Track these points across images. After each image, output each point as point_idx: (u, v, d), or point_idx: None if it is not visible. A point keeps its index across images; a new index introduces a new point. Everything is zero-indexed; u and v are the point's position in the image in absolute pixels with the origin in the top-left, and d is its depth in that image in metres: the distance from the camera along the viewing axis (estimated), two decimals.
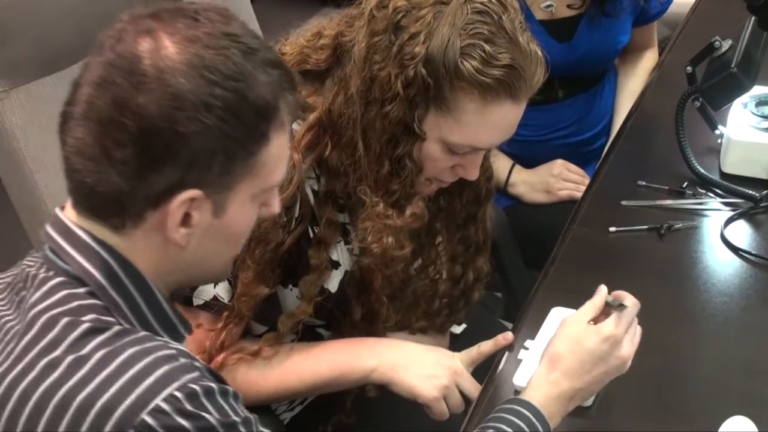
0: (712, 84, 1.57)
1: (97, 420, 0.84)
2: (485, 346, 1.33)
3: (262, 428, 0.93)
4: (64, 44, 1.39)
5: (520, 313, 1.43)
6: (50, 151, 1.37)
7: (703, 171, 1.64)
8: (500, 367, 1.30)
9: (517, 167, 2.03)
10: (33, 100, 1.36)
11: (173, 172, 0.89)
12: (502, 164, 2.00)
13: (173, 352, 0.89)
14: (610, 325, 1.16)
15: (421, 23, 1.16)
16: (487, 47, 1.15)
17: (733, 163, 1.66)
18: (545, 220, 1.95)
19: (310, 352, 1.34)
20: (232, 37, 0.91)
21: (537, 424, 1.10)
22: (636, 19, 2.06)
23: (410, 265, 1.41)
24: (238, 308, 1.27)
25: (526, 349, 1.30)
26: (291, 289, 1.34)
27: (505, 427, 1.09)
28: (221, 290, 1.28)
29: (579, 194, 1.85)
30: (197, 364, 0.90)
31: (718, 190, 1.63)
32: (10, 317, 0.94)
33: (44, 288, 0.92)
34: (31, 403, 0.86)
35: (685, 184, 1.64)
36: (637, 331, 1.20)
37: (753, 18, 1.58)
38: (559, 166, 2.02)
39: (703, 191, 1.63)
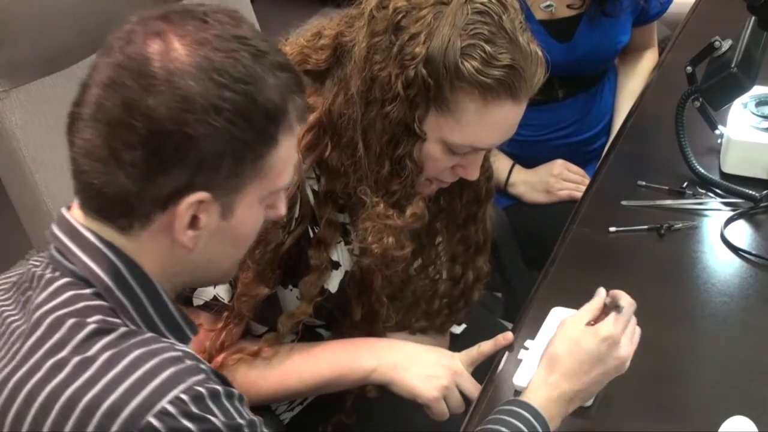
0: (712, 84, 1.57)
1: (102, 421, 0.84)
2: (485, 346, 1.33)
3: (265, 430, 0.93)
4: (64, 44, 1.39)
5: (520, 313, 1.43)
6: (50, 151, 1.38)
7: (703, 171, 1.64)
8: (500, 367, 1.30)
9: (517, 167, 2.03)
10: (33, 100, 1.36)
11: (182, 174, 0.89)
12: (502, 164, 2.00)
13: (179, 353, 0.89)
14: (607, 325, 1.16)
15: (421, 23, 1.16)
16: (487, 47, 1.15)
17: (733, 163, 1.66)
18: (545, 220, 1.95)
19: (310, 352, 1.34)
20: (241, 39, 0.91)
21: (536, 425, 1.10)
22: (636, 19, 2.06)
23: (410, 265, 1.41)
24: (238, 308, 1.28)
25: (526, 349, 1.30)
26: (291, 290, 1.34)
27: (504, 429, 1.09)
28: (221, 290, 1.28)
29: (579, 194, 1.85)
30: (203, 366, 0.90)
31: (718, 190, 1.63)
32: (16, 317, 0.94)
33: (50, 288, 0.92)
34: (36, 404, 0.86)
35: (685, 184, 1.64)
36: (636, 331, 1.20)
37: (753, 18, 1.58)
38: (559, 166, 2.02)
39: (703, 191, 1.63)
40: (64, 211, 0.96)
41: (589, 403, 1.20)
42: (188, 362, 0.88)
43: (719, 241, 1.52)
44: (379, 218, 1.24)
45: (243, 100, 0.89)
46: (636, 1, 2.00)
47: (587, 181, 1.91)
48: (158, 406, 0.84)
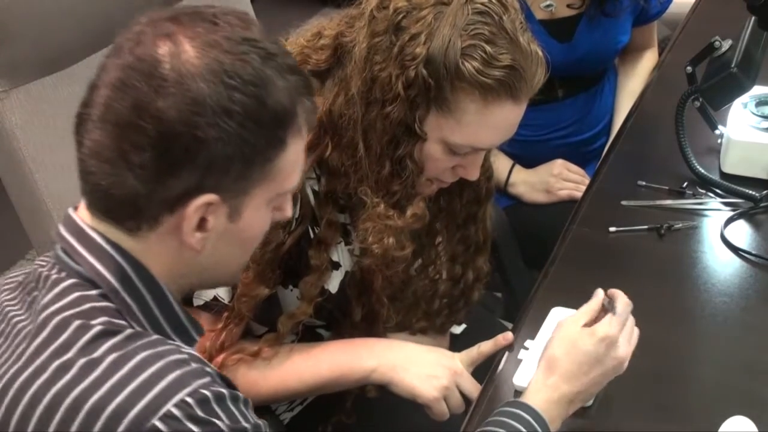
0: (712, 84, 1.57)
1: (107, 424, 0.84)
2: (485, 347, 1.33)
3: None
4: (64, 44, 1.39)
5: (520, 313, 1.43)
6: (50, 151, 1.37)
7: (703, 171, 1.64)
8: (500, 367, 1.30)
9: (517, 167, 2.03)
10: (33, 100, 1.36)
11: (191, 176, 0.89)
12: (502, 164, 2.00)
13: (185, 356, 0.89)
14: (604, 326, 1.16)
15: (421, 24, 1.16)
16: (488, 48, 1.15)
17: (733, 163, 1.66)
18: (545, 220, 1.95)
19: (310, 352, 1.34)
20: (251, 42, 0.91)
21: (536, 426, 1.10)
22: (636, 18, 2.06)
23: (411, 265, 1.41)
24: (238, 309, 1.28)
25: (526, 349, 1.30)
26: (291, 290, 1.34)
27: (503, 431, 1.09)
28: (221, 291, 1.28)
29: (579, 194, 1.85)
30: (208, 369, 0.90)
31: (718, 190, 1.63)
32: (22, 317, 0.94)
33: (56, 289, 0.92)
34: (42, 406, 0.86)
35: (685, 184, 1.64)
36: (634, 331, 1.20)
37: (753, 18, 1.58)
38: (559, 165, 2.02)
39: (703, 191, 1.63)
40: (71, 211, 0.96)
41: (589, 403, 1.20)
42: (194, 365, 0.88)
43: (719, 241, 1.52)
44: (379, 219, 1.24)
45: (253, 103, 0.89)
46: (636, 1, 2.00)
47: (587, 181, 1.91)
48: (163, 410, 0.84)
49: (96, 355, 0.87)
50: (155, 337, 0.91)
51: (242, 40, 0.90)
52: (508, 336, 1.33)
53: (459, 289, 1.49)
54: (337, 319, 1.40)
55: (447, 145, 1.23)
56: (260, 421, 0.92)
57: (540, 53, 1.20)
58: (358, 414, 1.43)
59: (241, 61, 0.89)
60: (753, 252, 1.49)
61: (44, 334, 0.89)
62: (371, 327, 1.38)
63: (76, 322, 0.89)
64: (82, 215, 0.95)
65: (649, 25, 2.12)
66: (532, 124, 1.87)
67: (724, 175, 1.66)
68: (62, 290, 0.92)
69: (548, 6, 1.93)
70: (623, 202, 1.62)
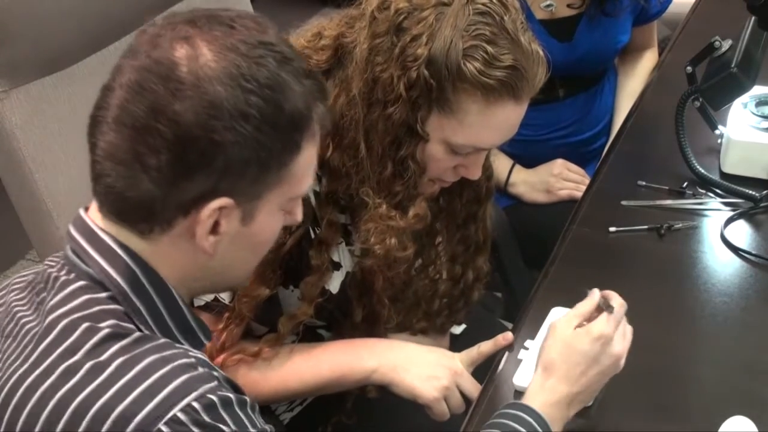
0: (712, 84, 1.57)
1: (113, 428, 0.84)
2: (485, 347, 1.33)
3: None
4: (64, 44, 1.39)
5: (520, 313, 1.43)
6: (50, 151, 1.37)
7: (703, 171, 1.64)
8: (500, 367, 1.30)
9: (517, 167, 2.03)
10: (33, 100, 1.36)
11: (206, 180, 0.88)
12: (502, 164, 2.00)
13: (192, 360, 0.89)
14: (599, 324, 1.16)
15: (423, 25, 1.16)
16: (489, 48, 1.15)
17: (733, 163, 1.66)
18: (545, 220, 1.94)
19: (310, 353, 1.34)
20: (268, 45, 0.90)
21: (538, 427, 1.10)
22: (636, 18, 2.06)
23: (412, 266, 1.41)
24: (238, 309, 1.27)
25: (526, 349, 1.30)
26: (292, 290, 1.34)
27: None
28: None
29: (579, 194, 1.85)
30: (215, 373, 0.90)
31: (718, 190, 1.63)
32: (29, 318, 0.94)
33: (65, 291, 0.92)
34: (48, 408, 0.86)
35: (685, 184, 1.64)
36: (627, 330, 1.19)
37: (753, 18, 1.58)
38: (559, 165, 2.02)
39: (703, 191, 1.63)
40: (81, 212, 0.95)
41: (589, 403, 1.20)
42: (201, 369, 0.88)
43: (719, 241, 1.52)
44: (381, 219, 1.24)
45: (270, 106, 0.89)
46: (636, 1, 2.00)
47: (587, 180, 1.91)
48: (170, 414, 0.84)
49: (103, 358, 0.87)
50: (163, 340, 0.90)
51: (259, 43, 0.90)
52: (508, 336, 1.33)
53: (459, 288, 1.48)
54: (338, 320, 1.40)
55: (449, 146, 1.23)
56: (267, 426, 0.92)
57: (541, 53, 1.20)
58: (358, 414, 1.43)
59: (258, 65, 0.89)
60: (753, 252, 1.49)
61: (51, 336, 0.89)
62: (372, 327, 1.38)
63: (84, 325, 0.89)
64: (93, 216, 0.94)
65: (649, 24, 2.12)
66: (532, 123, 1.87)
67: (724, 175, 1.66)
68: (70, 293, 0.91)
69: (548, 6, 1.93)
70: (623, 202, 1.62)
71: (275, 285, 1.29)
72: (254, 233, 0.95)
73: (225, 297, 1.28)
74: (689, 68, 1.61)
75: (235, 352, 1.31)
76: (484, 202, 1.45)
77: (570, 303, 1.26)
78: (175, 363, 0.87)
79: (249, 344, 1.33)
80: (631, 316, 1.21)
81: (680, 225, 1.55)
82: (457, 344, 1.50)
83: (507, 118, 1.21)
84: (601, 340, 1.14)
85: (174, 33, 0.89)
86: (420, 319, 1.47)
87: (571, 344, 1.14)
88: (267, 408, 1.44)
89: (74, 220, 0.95)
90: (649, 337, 1.22)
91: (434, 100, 1.18)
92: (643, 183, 1.66)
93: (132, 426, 0.83)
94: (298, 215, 1.02)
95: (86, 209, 0.96)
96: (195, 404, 0.85)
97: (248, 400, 0.91)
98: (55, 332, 0.89)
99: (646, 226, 1.55)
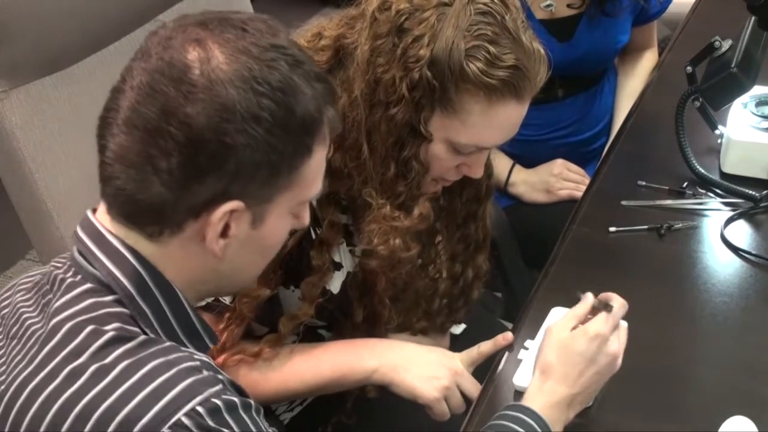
0: (712, 84, 1.57)
1: (117, 431, 0.83)
2: (485, 347, 1.33)
3: None
4: (64, 44, 1.39)
5: (520, 313, 1.43)
6: (50, 151, 1.37)
7: (703, 171, 1.64)
8: (500, 367, 1.30)
9: (517, 167, 2.03)
10: (33, 100, 1.35)
11: (217, 183, 0.88)
12: (502, 164, 2.00)
13: (197, 363, 0.88)
14: (595, 324, 1.16)
15: (424, 25, 1.16)
16: (491, 48, 1.15)
17: (733, 163, 1.66)
18: (545, 220, 1.94)
19: (311, 353, 1.34)
20: (279, 49, 0.90)
21: (538, 428, 1.10)
22: (636, 18, 2.06)
23: (414, 266, 1.41)
24: (239, 309, 1.27)
25: (526, 349, 1.30)
26: (293, 291, 1.34)
27: None
28: None
29: (579, 194, 1.85)
30: (220, 376, 0.89)
31: (718, 190, 1.63)
32: (35, 319, 0.93)
33: (70, 294, 0.91)
34: (52, 411, 0.86)
35: (685, 184, 1.64)
36: (622, 329, 1.19)
37: (753, 18, 1.58)
38: (559, 165, 2.02)
39: (703, 191, 1.63)
40: (89, 213, 0.95)
41: (589, 403, 1.20)
42: (206, 373, 0.88)
43: (719, 241, 1.52)
44: (385, 220, 1.24)
45: (282, 110, 0.88)
46: (636, 1, 2.00)
47: (587, 180, 1.91)
48: (174, 419, 0.83)
49: (108, 361, 0.86)
50: (168, 344, 0.90)
51: (270, 46, 0.90)
52: (508, 336, 1.33)
53: (459, 287, 1.49)
54: (339, 320, 1.40)
55: (452, 145, 1.23)
56: (271, 429, 0.92)
57: (542, 51, 1.20)
58: (358, 414, 1.43)
59: (270, 68, 0.88)
60: (753, 252, 1.49)
61: (56, 338, 0.89)
62: (372, 328, 1.38)
63: (89, 328, 0.88)
64: (101, 218, 0.94)
65: (648, 24, 2.11)
66: (532, 123, 1.86)
67: (724, 175, 1.66)
68: (76, 295, 0.91)
69: (548, 6, 1.93)
70: (623, 202, 1.62)
71: (276, 285, 1.29)
72: (263, 236, 0.95)
73: (226, 298, 1.28)
74: (689, 68, 1.61)
75: (236, 352, 1.31)
76: (484, 200, 1.45)
77: (570, 303, 1.26)
78: (180, 366, 0.87)
79: (249, 344, 1.33)
80: (631, 316, 1.21)
81: (680, 225, 1.55)
82: (457, 344, 1.50)
83: (509, 117, 1.22)
84: (598, 339, 1.15)
85: (185, 35, 0.89)
86: (420, 318, 1.47)
87: (567, 345, 1.15)
88: (267, 408, 1.43)
89: (81, 221, 0.95)
90: (649, 337, 1.22)
91: (437, 101, 1.18)
92: (643, 183, 1.66)
93: (136, 429, 0.83)
94: (306, 219, 1.02)
95: (93, 211, 0.95)
96: (199, 408, 0.84)
97: (253, 403, 0.91)
98: (60, 335, 0.89)
99: (646, 226, 1.55)
